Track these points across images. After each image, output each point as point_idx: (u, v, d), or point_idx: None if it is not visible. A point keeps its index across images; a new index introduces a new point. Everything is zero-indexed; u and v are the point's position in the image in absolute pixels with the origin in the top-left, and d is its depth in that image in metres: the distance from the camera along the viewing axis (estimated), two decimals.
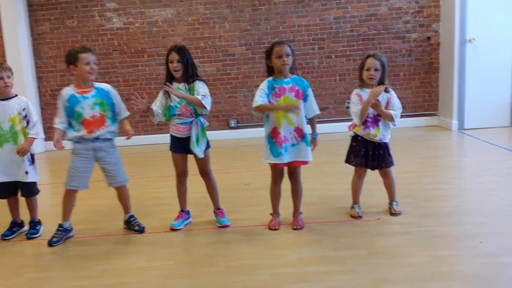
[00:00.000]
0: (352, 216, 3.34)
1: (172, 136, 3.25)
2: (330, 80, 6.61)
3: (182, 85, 3.14)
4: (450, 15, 6.28)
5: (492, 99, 6.27)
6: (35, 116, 3.24)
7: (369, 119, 3.21)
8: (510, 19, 6.09)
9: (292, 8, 6.47)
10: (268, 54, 3.02)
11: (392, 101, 3.20)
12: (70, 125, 3.13)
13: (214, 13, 6.48)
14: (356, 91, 3.21)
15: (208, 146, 3.27)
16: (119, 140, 3.25)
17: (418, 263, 2.58)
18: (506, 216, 3.25)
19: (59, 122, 3.12)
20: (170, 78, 3.14)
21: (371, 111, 3.19)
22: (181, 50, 3.11)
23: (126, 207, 3.39)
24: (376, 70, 3.13)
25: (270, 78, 3.02)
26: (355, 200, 3.42)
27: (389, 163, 3.30)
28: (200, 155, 3.18)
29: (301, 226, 3.18)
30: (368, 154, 3.27)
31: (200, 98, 3.05)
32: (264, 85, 3.02)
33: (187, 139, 3.18)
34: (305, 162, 3.09)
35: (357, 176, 3.39)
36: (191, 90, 3.12)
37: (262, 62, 6.45)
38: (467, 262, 2.59)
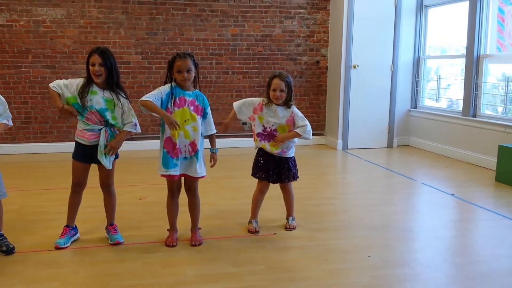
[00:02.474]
0: (249, 231, 3.35)
1: (77, 142, 3.04)
2: (227, 96, 6.68)
3: (107, 93, 2.96)
4: (337, 41, 6.68)
5: (373, 122, 6.76)
6: None
7: (263, 134, 3.29)
8: (389, 49, 6.66)
9: (191, 21, 6.43)
10: (170, 65, 2.98)
11: (295, 118, 3.29)
12: None
13: (109, 18, 6.21)
14: (260, 100, 3.29)
15: (116, 157, 3.09)
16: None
17: (313, 276, 2.65)
18: (389, 230, 3.47)
19: None
20: (89, 82, 2.96)
21: (271, 123, 3.27)
22: (104, 53, 2.93)
23: None
24: (281, 91, 3.22)
25: (173, 85, 2.95)
26: (254, 215, 3.44)
27: (289, 177, 3.37)
28: (108, 166, 3.00)
29: (199, 242, 3.12)
30: (269, 168, 3.32)
31: (129, 129, 3.01)
32: (164, 89, 2.95)
33: (94, 148, 2.97)
34: (194, 177, 3.05)
35: (259, 189, 3.41)
36: (110, 103, 2.95)
37: (160, 72, 6.36)
38: (358, 274, 2.71)
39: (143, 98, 2.88)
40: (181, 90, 2.97)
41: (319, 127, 7.06)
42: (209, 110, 3.09)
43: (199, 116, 3.02)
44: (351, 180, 5.16)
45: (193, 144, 3.00)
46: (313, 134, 3.45)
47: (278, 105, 3.26)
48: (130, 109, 3.08)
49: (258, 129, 3.28)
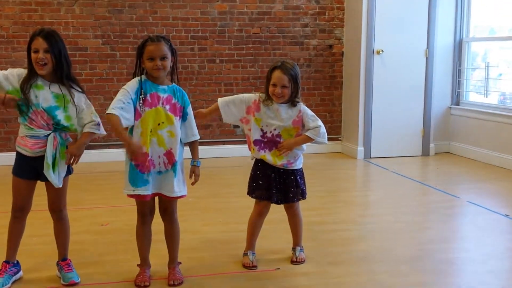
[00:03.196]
0: (245, 266, 3.35)
1: (18, 153, 3.04)
2: (214, 91, 6.68)
3: (56, 87, 2.97)
4: (356, 20, 6.67)
5: (403, 123, 6.76)
6: None
7: (262, 140, 3.30)
8: (423, 30, 6.69)
9: None
10: (140, 52, 2.99)
11: (305, 118, 3.31)
12: None
13: None
14: (256, 97, 3.31)
15: (69, 172, 3.11)
16: None
17: None
18: (424, 263, 3.46)
19: None
20: (32, 75, 2.96)
21: (272, 126, 3.28)
22: (50, 36, 2.93)
23: None
24: (283, 87, 3.23)
25: (142, 78, 2.99)
26: (250, 245, 3.44)
27: (296, 195, 3.38)
28: (57, 183, 3.00)
29: (179, 281, 3.13)
30: (271, 184, 3.33)
31: (92, 130, 3.03)
32: (131, 86, 2.97)
33: (39, 160, 2.97)
34: (170, 197, 3.06)
35: (257, 212, 3.42)
36: (61, 99, 2.96)
37: (126, 61, 6.38)
38: None
39: (109, 110, 2.89)
40: (154, 84, 2.99)
41: (333, 130, 7.05)
42: (190, 110, 3.10)
43: (177, 118, 3.03)
44: (375, 198, 5.17)
45: (169, 154, 3.01)
46: (328, 139, 3.47)
47: (280, 103, 3.28)
48: (89, 105, 3.08)
49: (255, 134, 3.29)
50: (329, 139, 7.18)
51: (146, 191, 2.99)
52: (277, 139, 3.29)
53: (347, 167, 6.36)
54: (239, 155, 6.40)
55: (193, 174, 3.10)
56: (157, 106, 2.97)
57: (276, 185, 3.33)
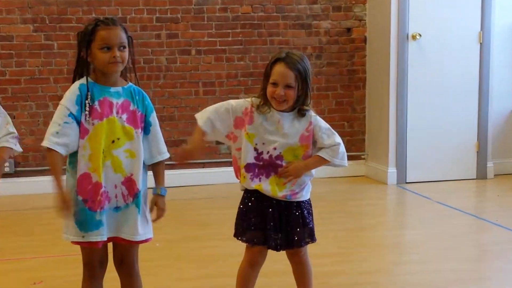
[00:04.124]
0: None
1: None
2: (188, 93, 6.71)
3: None
4: None
5: (450, 135, 6.79)
6: None
7: (256, 164, 3.29)
8: (475, 8, 6.71)
9: None
10: (86, 40, 2.98)
11: (317, 133, 3.29)
12: None
13: None
14: (247, 103, 3.29)
15: None
16: None
17: None
18: None
19: None
20: None
21: (271, 144, 3.27)
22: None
23: None
24: (288, 87, 3.19)
25: (83, 82, 3.00)
26: None
27: (303, 238, 3.36)
28: None
29: None
30: (268, 223, 3.30)
31: (9, 145, 3.08)
32: (68, 97, 2.98)
33: None
34: (132, 242, 3.07)
35: (249, 261, 3.38)
36: None
37: (67, 54, 6.41)
38: None
39: (44, 141, 2.93)
40: (103, 87, 3.00)
41: (354, 146, 7.09)
42: (155, 119, 3.13)
43: (138, 131, 3.04)
44: (413, 238, 5.14)
45: (129, 182, 3.02)
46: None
47: (282, 111, 3.26)
48: (4, 114, 3.10)
49: (247, 156, 3.28)
50: (350, 157, 7.21)
51: (100, 236, 2.99)
52: (278, 161, 3.27)
53: (373, 196, 6.33)
54: (224, 182, 6.35)
55: (157, 207, 3.11)
56: (109, 116, 2.98)
57: (275, 224, 3.29)
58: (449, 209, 5.82)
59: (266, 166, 3.28)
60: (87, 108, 2.94)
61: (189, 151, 3.29)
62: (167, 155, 3.14)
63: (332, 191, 6.43)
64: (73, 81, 3.03)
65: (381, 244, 5.01)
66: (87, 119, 2.95)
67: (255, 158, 3.28)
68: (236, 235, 3.38)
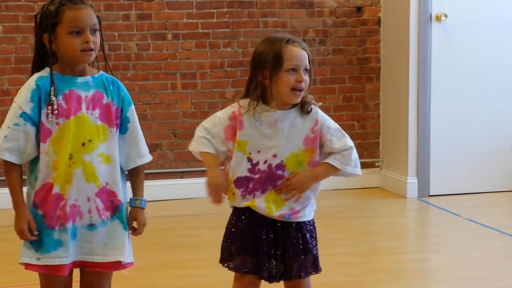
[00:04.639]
0: None
1: None
2: (164, 86, 6.78)
3: None
4: None
5: (482, 137, 6.81)
6: None
7: (250, 178, 3.27)
8: None
9: None
10: (50, 22, 2.96)
11: (325, 134, 3.28)
12: None
13: None
14: (234, 108, 3.27)
15: None
16: None
17: None
18: None
19: None
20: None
21: (268, 151, 3.24)
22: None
23: None
24: (306, 70, 3.18)
25: (43, 74, 3.01)
26: None
27: (306, 268, 3.34)
28: None
29: None
30: (261, 248, 3.32)
31: None
32: (22, 94, 2.99)
33: None
34: (117, 265, 3.10)
35: None
36: None
37: (15, 39, 6.42)
38: None
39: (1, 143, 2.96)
40: (68, 78, 3.01)
41: (366, 151, 7.17)
42: (133, 114, 3.16)
43: (114, 129, 3.07)
44: (438, 264, 5.13)
45: (105, 194, 3.05)
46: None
47: (283, 109, 3.24)
48: None
49: (237, 169, 3.27)
50: (362, 165, 7.23)
51: (58, 259, 2.99)
52: (279, 172, 3.24)
53: (389, 213, 6.35)
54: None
55: (136, 222, 3.14)
56: (77, 113, 2.98)
57: (269, 249, 3.30)
58: (482, 228, 5.81)
59: (263, 179, 3.26)
60: (51, 105, 2.95)
61: (216, 184, 3.25)
62: (149, 158, 3.19)
63: (339, 206, 6.42)
64: (32, 74, 3.04)
65: (399, 271, 4.98)
66: (50, 118, 2.95)
67: (249, 170, 3.26)
68: (222, 261, 3.38)
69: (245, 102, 3.23)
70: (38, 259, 2.98)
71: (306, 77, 3.17)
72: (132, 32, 6.66)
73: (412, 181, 6.77)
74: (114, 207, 3.05)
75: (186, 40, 6.76)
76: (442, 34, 6.72)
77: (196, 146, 3.28)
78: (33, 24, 3.10)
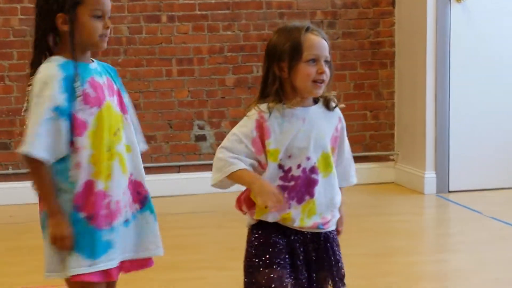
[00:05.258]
0: None
1: None
2: (158, 73, 6.79)
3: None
4: None
5: (507, 129, 6.75)
6: None
7: (283, 187, 3.17)
8: None
9: None
10: (71, 1, 2.94)
11: (342, 137, 3.27)
12: None
13: None
14: (255, 114, 3.15)
15: None
16: None
17: None
18: None
19: None
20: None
21: (301, 154, 3.17)
22: None
23: None
24: (326, 62, 3.11)
25: (63, 61, 2.97)
26: None
27: (339, 277, 3.30)
28: None
29: None
30: (296, 261, 3.23)
31: None
32: (52, 88, 2.92)
33: None
34: (149, 262, 3.24)
35: None
36: None
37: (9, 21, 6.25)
38: None
39: (26, 146, 2.89)
40: (84, 65, 3.02)
41: (379, 143, 7.20)
42: (130, 101, 3.21)
43: (127, 116, 3.13)
44: (458, 266, 5.12)
45: (131, 185, 3.10)
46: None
47: (303, 107, 3.16)
48: None
49: (271, 179, 3.17)
50: (375, 158, 7.08)
51: (113, 260, 3.04)
52: (313, 176, 3.17)
53: (406, 210, 6.36)
54: (209, 191, 6.05)
55: None
56: (105, 101, 3.01)
57: (301, 262, 3.25)
58: (506, 226, 5.79)
59: (299, 186, 3.17)
60: (79, 92, 2.96)
61: (271, 190, 3.13)
62: (144, 146, 3.27)
63: (350, 202, 6.22)
64: (34, 61, 3.02)
65: (414, 273, 4.98)
66: (83, 107, 2.96)
67: (281, 178, 3.16)
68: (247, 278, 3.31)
69: (264, 106, 3.15)
70: (90, 265, 2.99)
71: (327, 69, 3.11)
72: (123, 14, 6.67)
73: (430, 176, 6.74)
74: (141, 198, 3.11)
75: (182, 22, 6.79)
76: (462, 15, 6.67)
77: (224, 170, 3.14)
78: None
